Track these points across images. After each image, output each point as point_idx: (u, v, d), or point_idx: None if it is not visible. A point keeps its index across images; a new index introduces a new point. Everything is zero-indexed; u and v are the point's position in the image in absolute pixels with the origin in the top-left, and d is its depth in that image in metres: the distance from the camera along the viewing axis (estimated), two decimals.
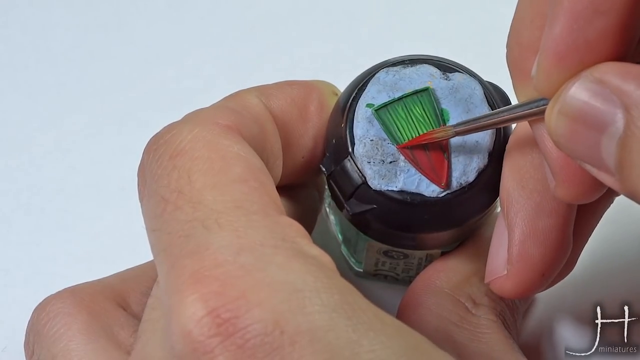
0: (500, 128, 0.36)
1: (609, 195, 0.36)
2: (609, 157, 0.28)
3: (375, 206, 0.36)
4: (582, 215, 0.36)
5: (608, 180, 0.29)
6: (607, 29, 0.29)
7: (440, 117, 0.36)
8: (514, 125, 0.37)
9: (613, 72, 0.28)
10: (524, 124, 0.35)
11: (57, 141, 0.48)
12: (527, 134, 0.35)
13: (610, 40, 0.29)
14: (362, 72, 0.38)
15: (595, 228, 0.37)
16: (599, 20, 0.28)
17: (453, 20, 0.51)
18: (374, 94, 0.36)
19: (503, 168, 0.35)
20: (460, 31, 0.50)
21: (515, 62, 0.33)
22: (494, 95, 0.37)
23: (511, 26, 0.33)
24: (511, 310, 0.38)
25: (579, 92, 0.29)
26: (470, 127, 0.35)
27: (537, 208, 0.34)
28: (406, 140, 0.35)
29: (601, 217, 0.37)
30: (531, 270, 0.35)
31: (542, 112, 0.31)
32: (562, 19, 0.29)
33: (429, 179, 0.35)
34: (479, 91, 0.36)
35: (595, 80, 0.29)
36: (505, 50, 0.33)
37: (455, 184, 0.35)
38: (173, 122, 0.33)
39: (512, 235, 0.35)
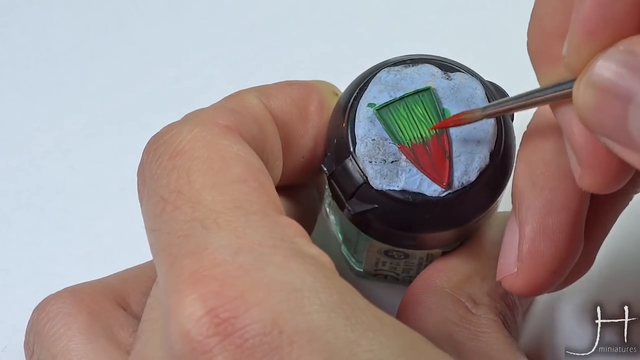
0: (502, 129, 0.36)
1: (627, 192, 0.36)
2: (635, 129, 0.28)
3: (376, 206, 0.35)
4: (600, 214, 0.36)
5: (634, 158, 0.29)
6: (635, 2, 0.28)
7: (442, 116, 0.36)
8: (516, 126, 0.36)
9: None
10: (537, 120, 0.34)
11: (57, 141, 0.48)
12: (539, 131, 0.35)
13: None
14: (362, 72, 0.38)
15: None
16: None
17: (453, 20, 0.51)
18: (375, 94, 0.36)
19: (516, 164, 0.35)
20: (461, 31, 0.50)
21: (538, 49, 0.32)
22: (495, 95, 0.37)
23: (532, 13, 0.33)
24: (511, 309, 0.38)
25: (607, 63, 0.29)
26: (499, 109, 0.34)
27: (547, 205, 0.34)
28: (408, 140, 0.35)
29: (618, 215, 0.37)
30: (541, 267, 0.34)
31: (569, 94, 0.31)
32: None
33: (430, 178, 0.35)
34: (480, 91, 0.36)
35: (625, 51, 0.28)
36: (527, 39, 0.33)
37: (456, 184, 0.35)
38: (173, 122, 0.33)
39: (523, 232, 0.34)
